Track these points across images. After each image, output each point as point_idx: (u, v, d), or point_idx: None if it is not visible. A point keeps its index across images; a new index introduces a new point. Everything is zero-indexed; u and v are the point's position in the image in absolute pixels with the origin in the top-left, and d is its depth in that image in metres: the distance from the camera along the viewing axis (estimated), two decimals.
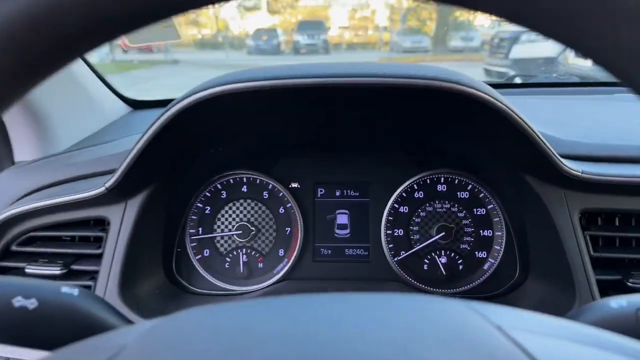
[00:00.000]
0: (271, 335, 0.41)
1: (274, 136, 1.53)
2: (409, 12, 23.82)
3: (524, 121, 1.11)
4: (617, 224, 1.37)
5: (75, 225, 1.42)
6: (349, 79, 1.02)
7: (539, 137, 1.15)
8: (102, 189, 1.30)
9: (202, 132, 1.32)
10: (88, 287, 1.34)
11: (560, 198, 1.31)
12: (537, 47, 9.73)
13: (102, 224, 1.42)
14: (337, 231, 1.66)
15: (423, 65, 1.13)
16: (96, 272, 1.34)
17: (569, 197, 1.31)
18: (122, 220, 1.36)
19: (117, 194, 1.33)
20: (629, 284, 1.27)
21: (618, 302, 0.82)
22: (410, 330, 0.43)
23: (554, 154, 1.19)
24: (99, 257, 1.35)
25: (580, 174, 1.24)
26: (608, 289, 1.28)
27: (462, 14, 22.75)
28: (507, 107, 1.08)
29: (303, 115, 1.31)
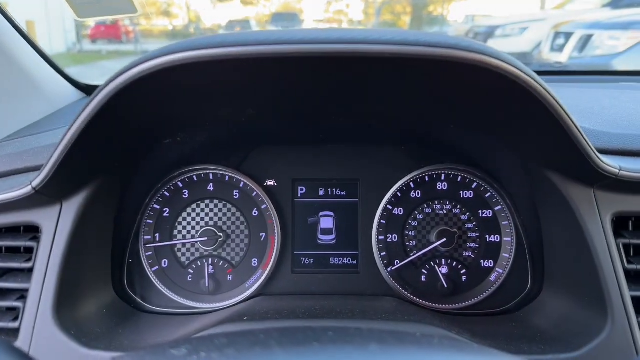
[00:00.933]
0: None
1: (244, 124, 1.28)
2: (383, 6, 23.71)
3: (562, 108, 0.89)
4: None
5: (1, 233, 1.19)
6: (342, 47, 0.76)
7: (578, 128, 0.93)
8: (29, 188, 1.07)
9: (152, 117, 1.06)
10: (15, 308, 1.12)
11: (589, 199, 1.11)
12: (512, 41, 9.77)
13: (33, 231, 1.18)
14: (320, 237, 1.44)
15: (422, 33, 0.89)
16: (26, 290, 1.12)
17: (599, 198, 1.11)
18: (56, 226, 1.14)
19: (48, 194, 1.08)
20: None
21: None
22: None
23: (591, 148, 0.97)
24: (30, 272, 1.13)
25: (617, 171, 1.03)
26: None
27: (436, 9, 22.85)
28: (545, 88, 0.86)
29: (278, 97, 1.06)
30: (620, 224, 1.17)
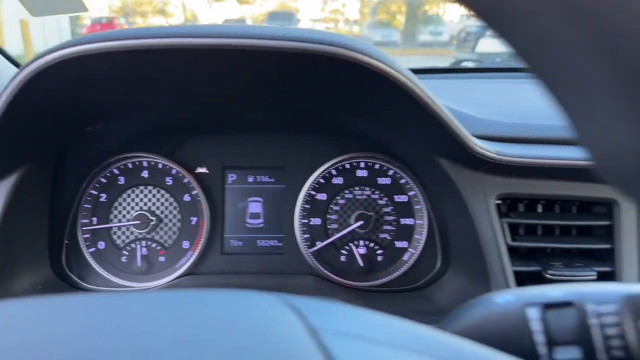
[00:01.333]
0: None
1: (173, 114, 1.37)
2: (378, 5, 23.78)
3: (422, 91, 0.98)
4: (539, 210, 1.28)
5: None
6: (195, 40, 0.85)
7: (442, 112, 1.02)
8: None
9: (65, 105, 1.14)
10: None
11: (475, 182, 1.21)
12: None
13: None
14: (248, 220, 1.52)
15: (300, 29, 0.98)
16: None
17: (485, 182, 1.21)
18: None
19: None
20: (547, 275, 1.17)
21: (504, 297, 0.71)
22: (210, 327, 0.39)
23: (462, 133, 1.07)
24: None
25: (494, 155, 1.12)
26: (525, 281, 1.19)
27: (431, 8, 22.91)
28: (406, 77, 0.95)
29: (180, 89, 1.15)
30: (514, 207, 1.27)
